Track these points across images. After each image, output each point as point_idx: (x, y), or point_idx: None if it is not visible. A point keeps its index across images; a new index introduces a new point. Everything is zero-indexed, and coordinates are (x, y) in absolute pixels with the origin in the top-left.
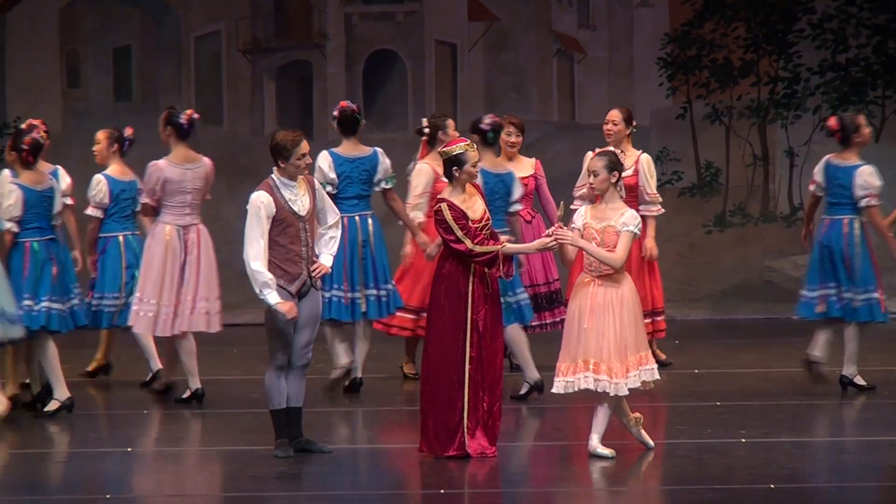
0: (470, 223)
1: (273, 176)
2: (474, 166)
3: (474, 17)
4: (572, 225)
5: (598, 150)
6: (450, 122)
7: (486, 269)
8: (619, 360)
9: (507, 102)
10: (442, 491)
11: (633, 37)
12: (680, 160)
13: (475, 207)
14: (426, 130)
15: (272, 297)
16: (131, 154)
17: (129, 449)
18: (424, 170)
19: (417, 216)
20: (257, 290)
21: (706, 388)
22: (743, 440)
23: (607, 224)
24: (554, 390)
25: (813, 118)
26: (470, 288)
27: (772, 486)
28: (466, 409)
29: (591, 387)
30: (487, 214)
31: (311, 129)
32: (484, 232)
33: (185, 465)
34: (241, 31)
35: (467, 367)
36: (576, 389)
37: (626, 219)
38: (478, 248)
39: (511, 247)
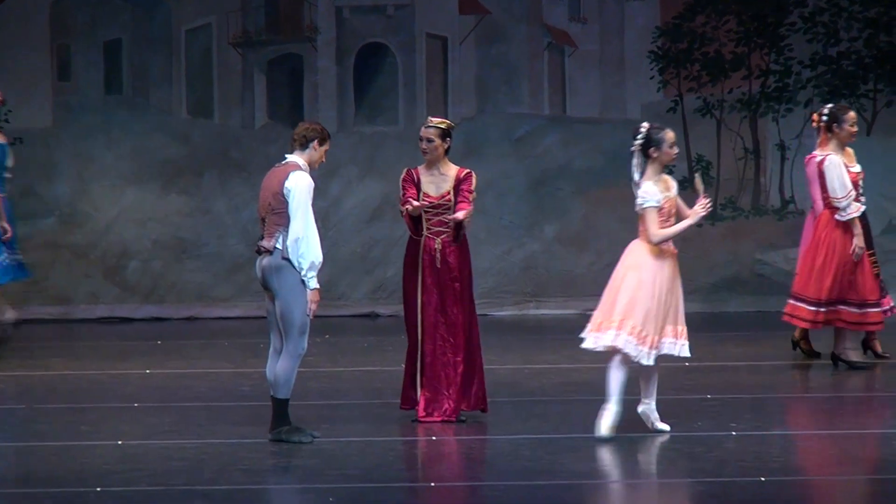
0: (421, 194)
1: (300, 162)
2: (421, 140)
3: (465, 11)
4: (654, 202)
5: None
6: (849, 116)
7: (433, 245)
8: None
9: (497, 96)
10: (432, 484)
11: (625, 30)
12: None
13: (439, 185)
14: (825, 119)
15: (315, 283)
16: (126, 147)
17: (120, 441)
18: (836, 161)
19: (851, 208)
20: (305, 269)
21: (696, 380)
22: (733, 433)
23: (671, 195)
24: (617, 344)
25: (804, 112)
26: (419, 260)
27: (762, 478)
28: (419, 373)
29: (676, 353)
30: (450, 197)
31: None
32: (435, 209)
33: (176, 458)
34: (232, 24)
35: (419, 335)
36: (662, 353)
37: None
38: (401, 208)
39: (410, 207)
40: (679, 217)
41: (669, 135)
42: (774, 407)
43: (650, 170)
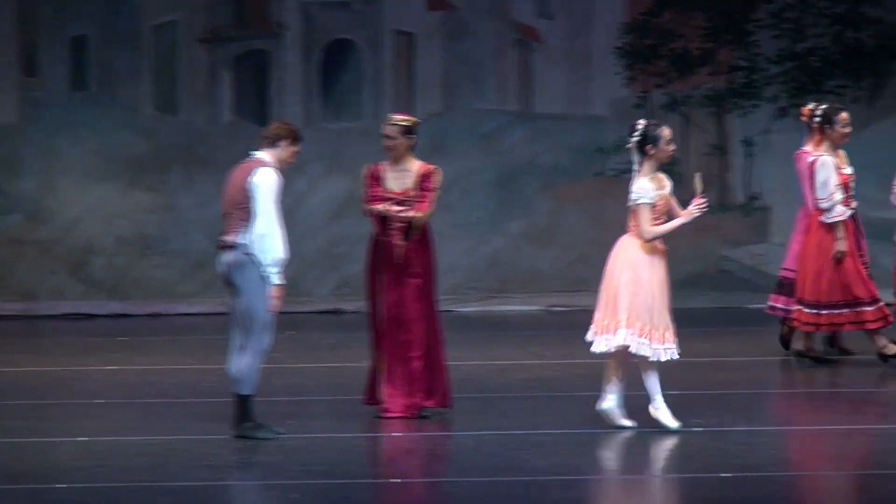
0: (384, 190)
1: (267, 159)
2: (383, 136)
3: (432, 7)
4: (648, 199)
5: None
6: (841, 117)
7: (396, 241)
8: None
9: (464, 92)
10: (396, 480)
11: (592, 26)
12: None
13: (402, 181)
14: (817, 120)
15: (278, 279)
16: (91, 143)
17: (84, 438)
18: (829, 162)
19: (834, 211)
20: (269, 264)
21: (660, 376)
22: (697, 429)
23: (665, 193)
24: (631, 347)
25: (771, 108)
26: (380, 254)
27: (724, 474)
28: (381, 369)
29: (659, 358)
30: (412, 193)
31: (267, 119)
32: (399, 205)
33: (140, 455)
34: (199, 20)
35: (381, 329)
36: (662, 356)
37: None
38: (367, 207)
39: (380, 207)
40: (671, 216)
41: (666, 132)
42: (738, 403)
43: (646, 166)
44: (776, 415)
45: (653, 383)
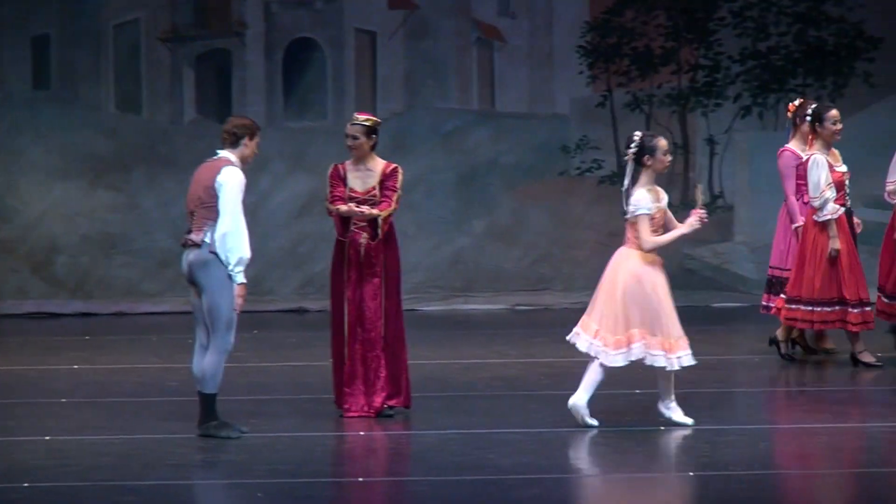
0: (347, 189)
1: (232, 158)
2: (346, 136)
3: (394, 6)
4: (647, 209)
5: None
6: (831, 114)
7: (359, 239)
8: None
9: (426, 91)
10: (360, 479)
11: (553, 25)
12: (600, 148)
13: (365, 180)
14: (808, 118)
15: (242, 278)
16: (54, 142)
17: (48, 437)
18: (821, 161)
19: (826, 209)
20: (233, 264)
21: (625, 375)
22: (662, 427)
23: (662, 206)
24: (646, 360)
25: (733, 106)
26: (345, 253)
27: (691, 473)
28: (343, 368)
29: (674, 367)
30: (375, 192)
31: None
32: (362, 204)
33: (104, 454)
34: (160, 19)
35: (345, 329)
36: (675, 365)
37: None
38: (330, 207)
39: (343, 208)
40: (668, 229)
41: (662, 143)
42: (702, 402)
43: (643, 178)
44: (741, 413)
45: (667, 385)
